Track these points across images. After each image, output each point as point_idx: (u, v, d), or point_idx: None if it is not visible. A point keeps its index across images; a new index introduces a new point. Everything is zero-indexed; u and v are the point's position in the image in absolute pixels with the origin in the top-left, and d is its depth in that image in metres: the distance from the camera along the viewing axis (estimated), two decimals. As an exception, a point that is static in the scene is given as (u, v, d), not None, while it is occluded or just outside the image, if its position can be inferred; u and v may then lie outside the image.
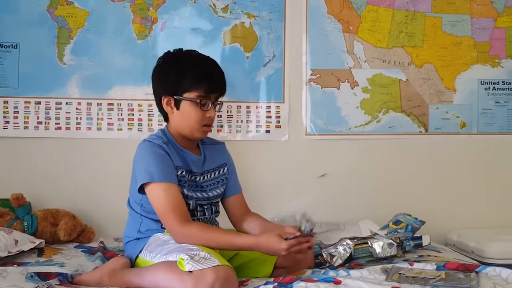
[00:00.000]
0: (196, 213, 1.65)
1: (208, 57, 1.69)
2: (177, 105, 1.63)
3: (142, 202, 1.61)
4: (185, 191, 1.62)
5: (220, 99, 1.68)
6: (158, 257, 1.48)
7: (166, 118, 1.70)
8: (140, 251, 1.58)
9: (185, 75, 1.60)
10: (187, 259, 1.34)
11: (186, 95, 1.61)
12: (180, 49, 1.69)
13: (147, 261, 1.54)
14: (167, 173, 1.55)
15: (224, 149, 1.82)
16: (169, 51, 1.70)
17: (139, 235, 1.62)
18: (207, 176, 1.70)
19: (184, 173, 1.62)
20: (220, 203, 1.77)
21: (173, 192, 1.54)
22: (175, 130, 1.67)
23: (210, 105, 1.63)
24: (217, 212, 1.74)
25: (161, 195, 1.53)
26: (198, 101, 1.60)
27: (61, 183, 2.21)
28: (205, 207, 1.68)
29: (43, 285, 1.37)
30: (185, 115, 1.62)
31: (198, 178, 1.67)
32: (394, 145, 2.36)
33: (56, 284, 1.42)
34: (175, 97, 1.62)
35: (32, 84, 2.20)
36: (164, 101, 1.63)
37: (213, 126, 1.77)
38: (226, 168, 1.77)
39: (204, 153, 1.73)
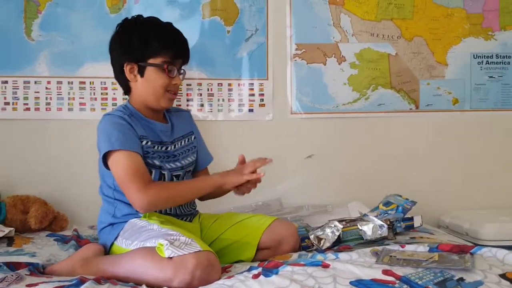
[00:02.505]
0: None
1: (170, 23, 1.64)
2: (141, 72, 1.57)
3: (114, 184, 1.53)
4: (157, 162, 1.54)
5: (184, 67, 1.65)
6: (135, 243, 1.39)
7: (127, 91, 1.64)
8: (116, 238, 1.49)
9: (151, 41, 1.55)
10: (167, 244, 1.26)
11: (151, 61, 1.56)
12: (140, 16, 1.63)
13: (123, 249, 1.44)
14: (129, 142, 1.48)
15: (190, 116, 1.80)
16: (127, 18, 1.64)
17: (114, 220, 1.53)
18: (177, 144, 1.65)
19: (150, 143, 1.56)
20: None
21: (135, 160, 1.47)
22: (138, 100, 1.60)
23: (176, 71, 1.58)
24: None
25: (121, 163, 1.46)
26: (165, 66, 1.55)
27: (31, 168, 2.08)
28: (181, 178, 1.61)
29: (12, 275, 1.28)
30: (150, 82, 1.56)
31: (169, 148, 1.62)
32: (383, 123, 2.26)
33: (26, 274, 1.33)
34: (139, 63, 1.55)
35: (-2, 62, 2.05)
36: (127, 68, 1.57)
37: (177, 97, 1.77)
38: (193, 137, 1.73)
39: (171, 121, 1.68)
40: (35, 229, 1.88)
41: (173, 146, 1.63)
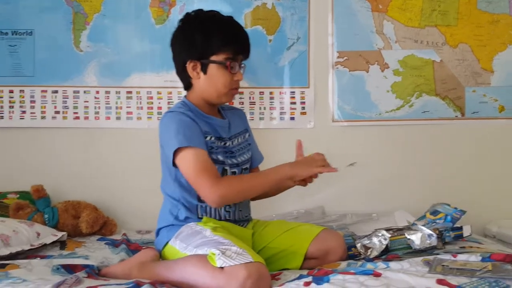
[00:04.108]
0: None
1: (231, 17, 1.63)
2: (204, 69, 1.56)
3: (181, 181, 1.54)
4: (221, 158, 1.56)
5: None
6: (189, 249, 1.41)
7: (187, 86, 1.63)
8: (170, 238, 1.52)
9: (212, 37, 1.54)
10: (219, 254, 1.27)
11: (213, 58, 1.55)
12: (200, 10, 1.62)
13: (175, 250, 1.47)
14: (195, 138, 1.49)
15: (244, 115, 1.79)
16: (188, 13, 1.62)
17: (175, 222, 1.55)
18: (235, 140, 1.65)
19: (213, 139, 1.56)
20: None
21: (203, 156, 1.48)
22: (198, 96, 1.60)
23: (237, 67, 1.57)
24: None
25: (191, 161, 1.47)
26: (227, 64, 1.54)
27: (80, 175, 2.14)
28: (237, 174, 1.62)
29: (71, 278, 1.31)
30: (213, 79, 1.56)
31: (227, 143, 1.61)
32: (428, 131, 2.23)
33: (84, 277, 1.36)
34: (201, 61, 1.55)
35: (48, 72, 2.13)
36: (190, 66, 1.56)
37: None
38: (248, 134, 1.73)
39: (227, 117, 1.68)
40: (86, 233, 1.93)
41: (231, 142, 1.62)
